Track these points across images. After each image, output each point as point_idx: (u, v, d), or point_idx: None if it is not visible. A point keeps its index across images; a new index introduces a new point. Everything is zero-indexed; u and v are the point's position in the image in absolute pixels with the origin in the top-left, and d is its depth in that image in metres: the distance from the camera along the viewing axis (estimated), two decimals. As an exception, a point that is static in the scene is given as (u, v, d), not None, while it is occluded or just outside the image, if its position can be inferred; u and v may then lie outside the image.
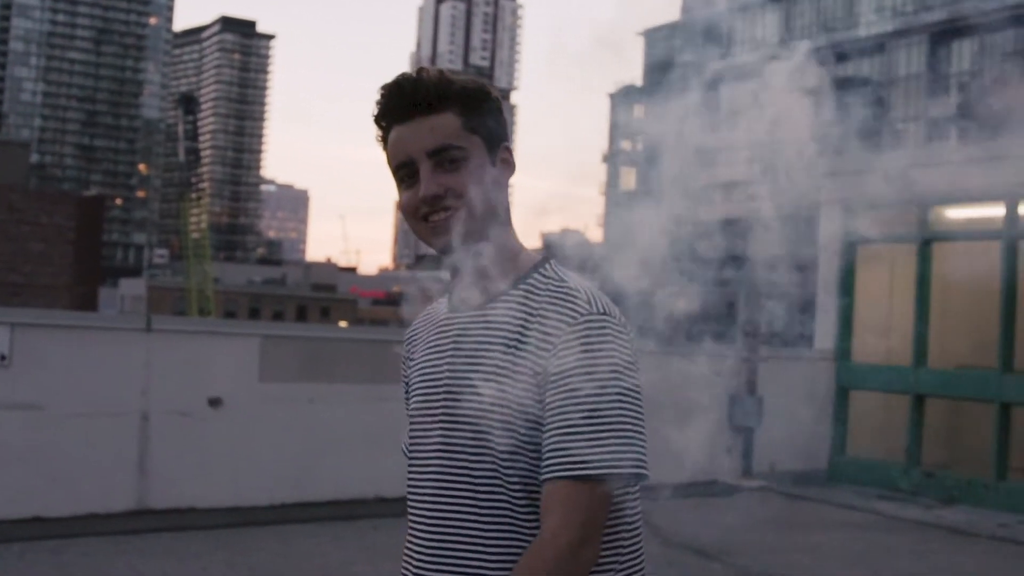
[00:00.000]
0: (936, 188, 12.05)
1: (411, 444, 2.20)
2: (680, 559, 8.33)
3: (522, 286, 2.05)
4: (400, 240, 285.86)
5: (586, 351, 1.91)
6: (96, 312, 44.08)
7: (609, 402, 1.89)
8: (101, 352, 8.90)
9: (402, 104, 2.07)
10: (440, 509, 2.07)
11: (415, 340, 2.30)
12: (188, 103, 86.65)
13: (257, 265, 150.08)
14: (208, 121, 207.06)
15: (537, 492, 1.94)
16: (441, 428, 2.07)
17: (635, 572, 2.07)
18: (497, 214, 2.08)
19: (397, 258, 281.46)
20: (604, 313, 1.96)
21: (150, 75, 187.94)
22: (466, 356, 2.05)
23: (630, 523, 2.05)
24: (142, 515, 8.88)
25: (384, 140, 2.14)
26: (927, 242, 12.20)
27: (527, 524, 1.97)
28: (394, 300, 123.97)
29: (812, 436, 12.71)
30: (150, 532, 8.42)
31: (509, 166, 2.13)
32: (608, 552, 1.98)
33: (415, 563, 2.12)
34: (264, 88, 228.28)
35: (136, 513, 8.90)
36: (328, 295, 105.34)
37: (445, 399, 2.07)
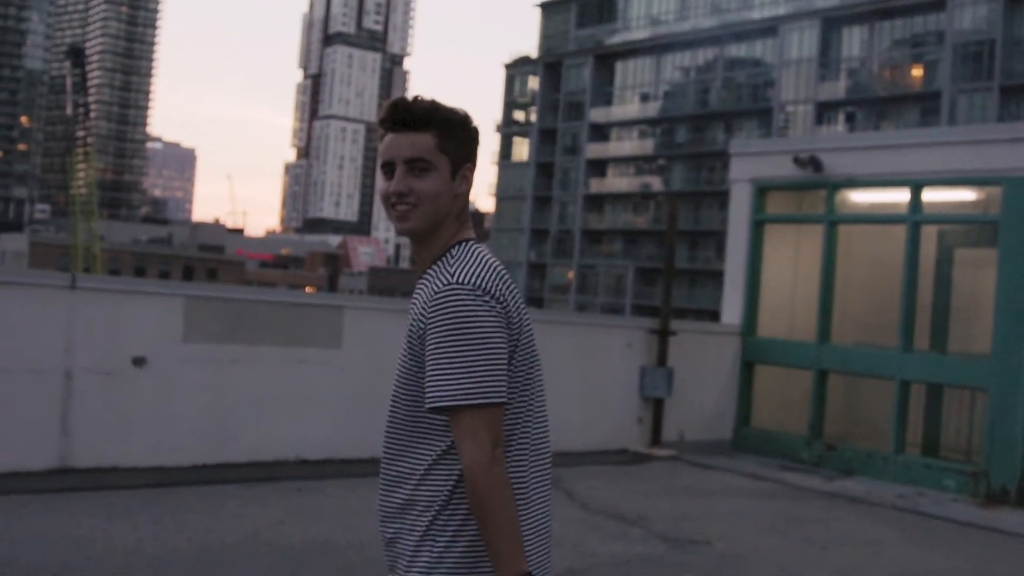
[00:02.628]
0: (845, 171, 12.43)
1: None
2: (601, 524, 8.55)
3: (437, 263, 2.72)
4: (288, 203, 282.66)
5: (438, 313, 2.55)
6: (-20, 267, 42.96)
7: (451, 352, 2.52)
8: (24, 308, 8.77)
9: (396, 119, 2.72)
10: (386, 433, 2.76)
11: None
12: (76, 55, 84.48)
13: (143, 224, 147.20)
14: (94, 75, 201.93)
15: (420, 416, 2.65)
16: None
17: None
18: (446, 213, 2.73)
19: (285, 221, 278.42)
20: (460, 283, 2.57)
21: (34, 25, 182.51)
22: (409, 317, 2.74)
23: (517, 442, 2.67)
24: (63, 474, 8.82)
25: (381, 139, 2.79)
26: (833, 223, 12.58)
27: (415, 436, 2.66)
28: (282, 263, 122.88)
29: (717, 408, 13.08)
30: (72, 491, 8.36)
31: (466, 181, 2.77)
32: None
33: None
34: (152, 43, 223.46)
35: (57, 472, 8.84)
36: (215, 256, 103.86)
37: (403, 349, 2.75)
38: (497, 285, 2.61)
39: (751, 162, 13.66)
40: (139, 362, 9.19)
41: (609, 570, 7.21)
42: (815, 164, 12.47)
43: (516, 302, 2.67)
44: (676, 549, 7.95)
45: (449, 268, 2.63)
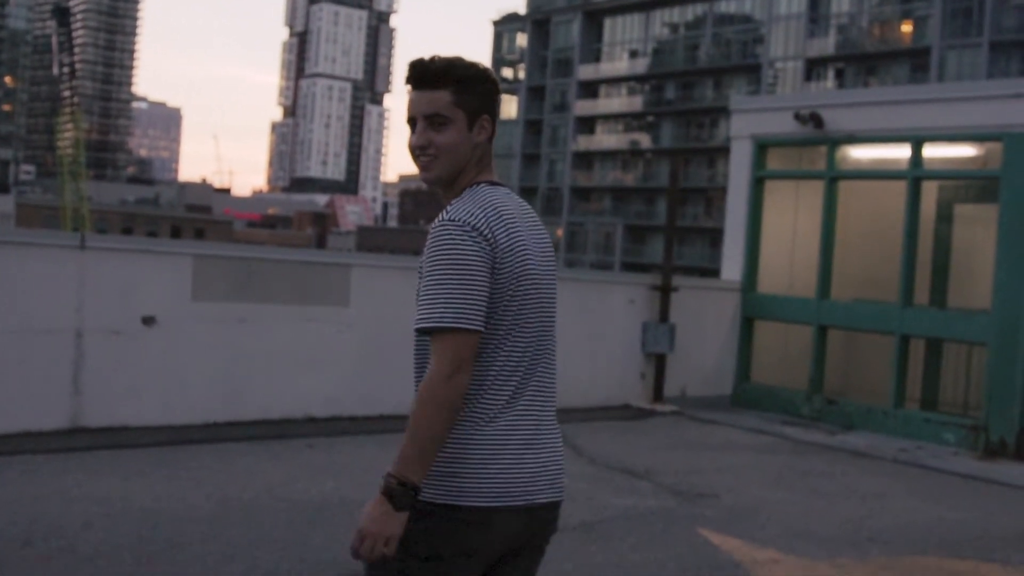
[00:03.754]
0: (846, 127, 12.48)
1: None
2: (610, 478, 8.65)
3: (449, 205, 2.90)
4: (275, 162, 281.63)
5: (429, 246, 2.80)
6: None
7: (434, 281, 2.76)
8: (34, 269, 8.79)
9: (415, 78, 2.95)
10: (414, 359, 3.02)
11: None
12: (62, 14, 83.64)
13: (129, 184, 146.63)
14: (78, 34, 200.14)
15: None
16: None
17: (497, 410, 2.84)
18: (466, 161, 2.95)
19: (272, 180, 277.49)
20: (450, 220, 2.80)
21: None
22: None
23: (491, 370, 2.85)
24: (76, 433, 8.88)
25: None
26: (834, 179, 12.64)
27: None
28: (270, 223, 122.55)
29: (718, 364, 13.18)
30: (85, 450, 8.42)
31: (484, 131, 2.98)
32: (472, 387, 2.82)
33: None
34: (136, 1, 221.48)
35: (69, 431, 8.90)
36: (203, 216, 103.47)
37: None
38: (491, 222, 2.82)
39: (752, 118, 13.69)
40: (149, 321, 9.23)
41: (623, 523, 7.30)
42: (816, 120, 12.51)
43: (514, 243, 2.85)
44: (686, 502, 8.06)
45: (450, 207, 2.86)
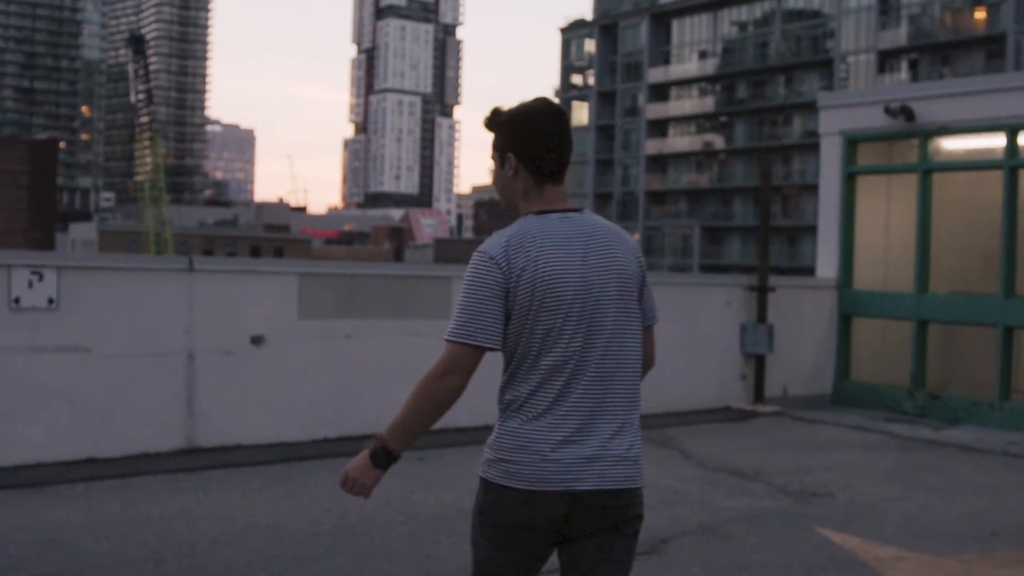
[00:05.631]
0: (938, 119, 12.34)
1: None
2: (721, 481, 8.64)
3: None
4: (349, 179, 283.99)
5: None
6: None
7: (457, 302, 3.22)
8: (145, 293, 9.00)
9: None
10: None
11: None
12: (138, 43, 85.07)
13: (207, 207, 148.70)
14: (150, 61, 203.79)
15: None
16: None
17: (536, 410, 3.24)
18: (510, 193, 3.36)
19: (346, 197, 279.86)
20: (477, 251, 3.21)
21: (89, 14, 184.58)
22: None
23: (536, 374, 3.23)
24: (192, 454, 9.05)
25: None
26: (928, 172, 12.50)
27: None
28: (348, 239, 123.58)
29: (817, 362, 13.08)
30: (202, 470, 8.58)
31: (512, 167, 3.32)
32: (516, 387, 3.29)
33: None
34: (206, 27, 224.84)
35: (185, 452, 9.07)
36: (281, 236, 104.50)
37: None
38: (509, 250, 3.18)
39: (840, 114, 13.59)
40: (257, 341, 9.39)
41: (741, 525, 7.30)
42: (907, 113, 12.39)
43: (534, 265, 3.16)
44: (801, 502, 8.03)
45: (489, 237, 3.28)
